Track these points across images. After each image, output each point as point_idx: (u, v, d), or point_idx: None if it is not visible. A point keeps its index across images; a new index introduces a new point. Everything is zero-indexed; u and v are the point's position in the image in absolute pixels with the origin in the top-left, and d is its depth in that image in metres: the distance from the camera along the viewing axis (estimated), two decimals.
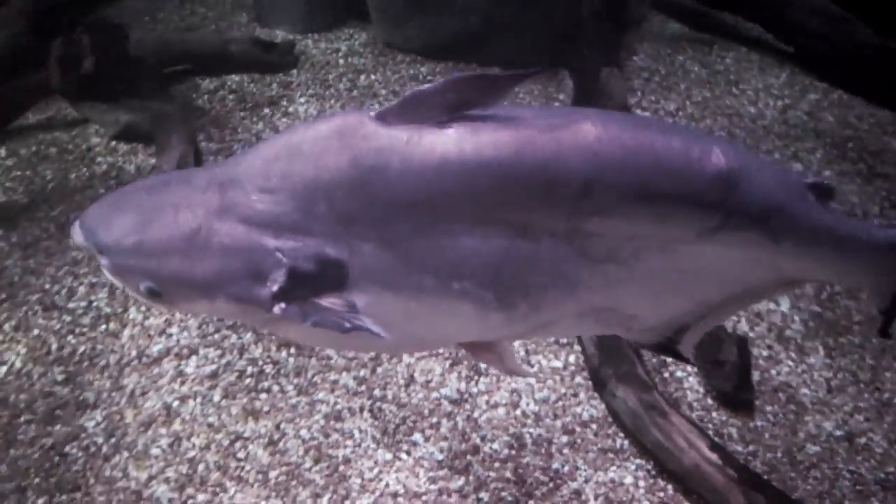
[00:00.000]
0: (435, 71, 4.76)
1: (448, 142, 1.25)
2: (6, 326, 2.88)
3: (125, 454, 2.44)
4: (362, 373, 2.71)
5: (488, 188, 1.27)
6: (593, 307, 1.41)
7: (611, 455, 2.43)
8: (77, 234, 1.40)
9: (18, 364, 2.74)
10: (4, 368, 2.72)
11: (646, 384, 2.46)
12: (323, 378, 2.68)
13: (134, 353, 2.77)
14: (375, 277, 1.31)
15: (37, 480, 2.35)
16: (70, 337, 2.84)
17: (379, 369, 2.73)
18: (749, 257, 1.37)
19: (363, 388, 2.66)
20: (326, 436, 2.49)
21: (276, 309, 1.29)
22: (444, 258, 1.30)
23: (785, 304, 2.95)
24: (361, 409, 2.58)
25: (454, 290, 1.32)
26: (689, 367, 2.71)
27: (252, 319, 1.41)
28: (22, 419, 2.54)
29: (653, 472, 2.36)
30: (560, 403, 2.60)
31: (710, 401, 2.61)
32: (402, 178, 1.26)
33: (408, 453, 2.45)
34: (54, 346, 2.80)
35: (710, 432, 2.44)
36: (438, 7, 4.76)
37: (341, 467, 2.40)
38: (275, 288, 1.29)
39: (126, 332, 2.85)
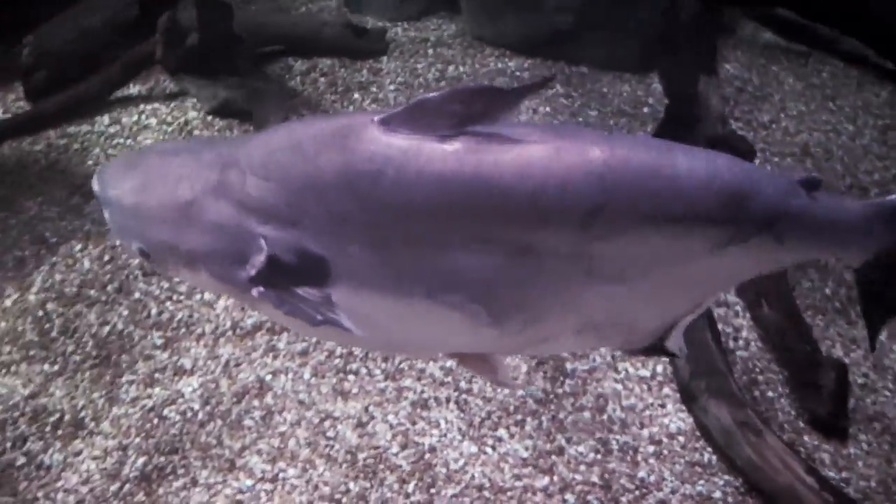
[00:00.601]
0: (523, 66, 4.74)
1: (447, 158, 1.24)
2: (109, 288, 3.00)
3: (219, 422, 2.52)
4: (448, 364, 2.73)
5: (486, 208, 1.26)
6: (594, 323, 1.40)
7: (698, 469, 2.41)
8: (94, 184, 1.48)
9: (120, 325, 2.84)
10: (107, 328, 2.83)
11: (739, 401, 2.43)
12: (410, 365, 2.72)
13: (228, 324, 2.85)
14: (360, 278, 1.31)
15: (137, 440, 2.45)
16: (168, 303, 2.94)
17: None
18: (755, 258, 1.40)
19: (449, 378, 2.68)
20: (413, 423, 2.53)
21: (254, 292, 1.31)
22: (433, 269, 1.29)
23: (884, 334, 2.87)
24: (448, 400, 2.61)
25: (443, 301, 1.31)
26: (780, 388, 2.67)
27: (232, 296, 1.46)
28: (124, 379, 2.64)
29: (742, 490, 2.34)
30: (647, 413, 2.58)
31: (801, 424, 2.56)
32: (395, 187, 1.25)
33: (493, 448, 2.47)
34: (154, 311, 2.90)
35: (801, 456, 2.40)
36: (533, 3, 4.74)
37: (427, 455, 2.44)
38: (253, 272, 1.32)
39: (220, 303, 2.93)
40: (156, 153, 1.50)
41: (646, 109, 4.38)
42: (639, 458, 2.44)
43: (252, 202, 1.32)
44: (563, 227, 1.26)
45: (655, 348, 1.48)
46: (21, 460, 2.38)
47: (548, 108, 4.31)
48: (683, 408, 2.58)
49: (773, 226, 1.35)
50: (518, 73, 4.66)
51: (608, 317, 1.39)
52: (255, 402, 2.58)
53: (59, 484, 2.33)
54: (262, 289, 1.31)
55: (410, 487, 2.34)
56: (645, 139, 1.52)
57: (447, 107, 1.24)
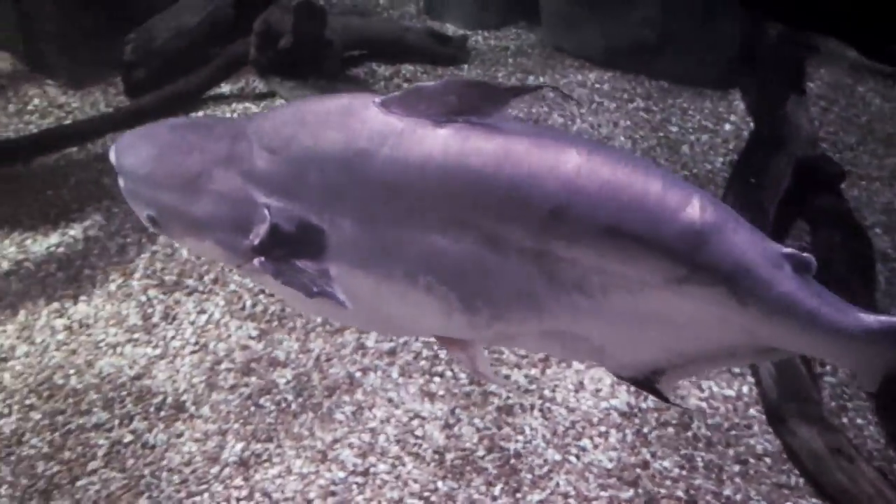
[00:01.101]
0: (602, 78, 4.76)
1: (436, 141, 1.29)
2: (206, 279, 3.13)
3: (311, 414, 2.61)
4: (533, 371, 2.78)
5: (463, 193, 1.30)
6: (558, 330, 1.41)
7: (785, 491, 2.40)
8: (111, 154, 1.54)
9: (217, 315, 2.97)
10: (205, 317, 2.96)
11: (830, 426, 2.42)
12: (494, 371, 2.77)
13: (319, 319, 2.94)
14: (349, 253, 1.37)
15: (235, 426, 2.55)
16: (262, 296, 3.05)
17: (549, 371, 2.79)
18: (717, 315, 1.34)
19: (534, 386, 2.73)
20: (499, 427, 2.58)
21: (255, 261, 1.37)
22: (413, 250, 1.34)
23: None
24: (532, 407, 2.65)
25: (420, 282, 1.37)
26: (869, 415, 2.64)
27: (234, 266, 1.50)
28: (222, 366, 2.76)
29: None
30: (733, 433, 2.58)
31: (892, 452, 2.53)
32: (387, 165, 1.31)
33: (577, 457, 2.50)
34: (248, 303, 3.02)
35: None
36: (616, 16, 4.76)
37: (513, 460, 2.48)
38: (256, 241, 1.37)
39: None
40: (170, 126, 1.57)
41: (727, 126, 4.36)
42: (724, 476, 2.45)
43: (258, 173, 1.39)
44: (529, 222, 1.29)
45: (646, 386, 1.48)
46: (128, 438, 2.51)
47: (628, 122, 4.32)
48: (770, 430, 2.58)
49: (734, 280, 1.30)
50: (598, 86, 4.69)
51: (570, 326, 1.40)
52: (346, 398, 2.66)
53: (164, 463, 2.44)
54: (262, 259, 1.37)
55: (497, 490, 2.40)
56: (631, 157, 1.48)
57: (441, 96, 1.29)
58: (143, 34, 4.34)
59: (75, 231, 3.38)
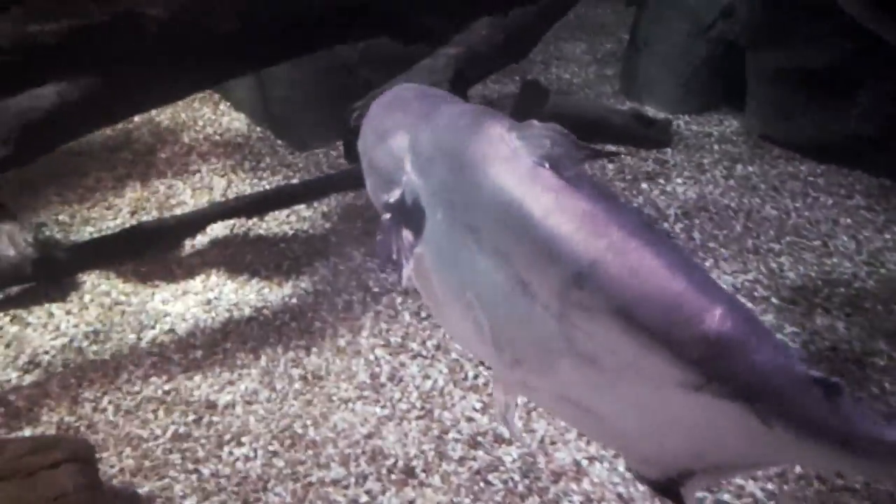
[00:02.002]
0: (816, 172, 4.57)
1: (520, 174, 1.40)
2: (429, 344, 3.22)
3: (538, 499, 2.58)
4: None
5: (512, 227, 1.39)
6: (571, 399, 1.43)
7: None
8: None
9: (441, 382, 3.03)
10: (430, 383, 3.03)
11: None
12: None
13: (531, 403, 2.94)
14: (431, 244, 1.53)
15: (466, 500, 2.57)
16: (482, 368, 3.10)
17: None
18: (739, 428, 1.29)
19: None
20: None
21: (383, 216, 1.58)
22: (468, 262, 1.46)
23: None
24: None
25: (465, 296, 1.48)
26: None
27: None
28: (450, 436, 2.80)
29: None
30: None
31: None
32: (480, 179, 1.43)
33: None
34: (470, 374, 3.07)
35: None
36: (833, 107, 4.58)
37: None
38: (389, 199, 1.59)
39: None
40: (402, 89, 1.87)
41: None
42: None
43: (415, 147, 1.60)
44: (555, 279, 1.34)
45: (669, 491, 1.43)
46: (364, 498, 2.58)
47: (849, 220, 4.10)
48: None
49: (755, 399, 1.25)
50: (812, 179, 4.50)
51: (583, 398, 1.42)
52: (573, 486, 2.62)
53: None
54: (388, 216, 1.58)
55: None
56: (675, 249, 1.43)
57: (543, 135, 1.41)
58: (369, 102, 4.64)
59: (305, 284, 3.60)
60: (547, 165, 1.39)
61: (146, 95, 3.33)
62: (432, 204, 1.53)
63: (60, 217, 4.00)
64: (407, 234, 1.56)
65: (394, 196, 1.60)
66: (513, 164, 1.42)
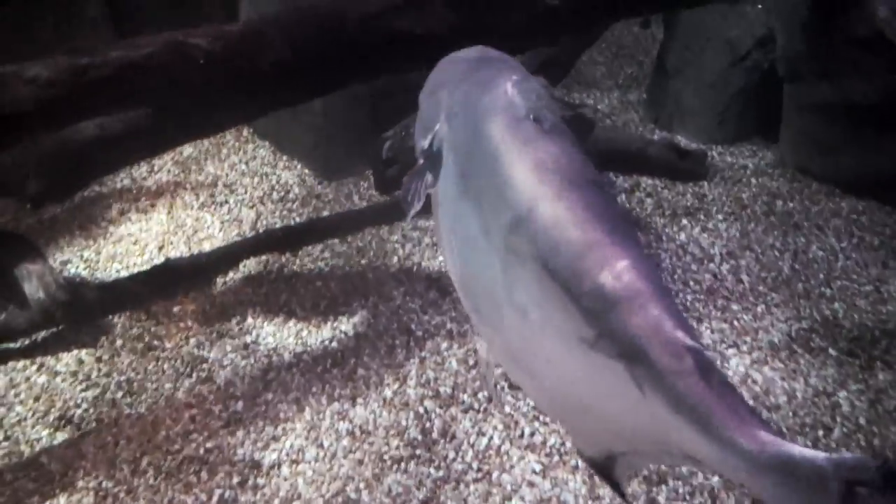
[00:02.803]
0: (857, 208, 4.46)
1: (507, 128, 1.49)
2: (480, 395, 3.08)
3: None
4: None
5: (486, 176, 1.48)
6: (514, 356, 1.47)
7: None
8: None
9: (497, 441, 2.89)
10: (484, 441, 2.89)
11: None
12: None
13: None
14: (443, 188, 1.67)
15: None
16: (537, 423, 2.96)
17: None
18: (627, 395, 1.23)
19: None
20: None
21: (419, 159, 1.70)
22: (453, 209, 1.59)
23: None
24: None
25: (450, 238, 1.61)
26: None
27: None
28: (513, 502, 2.66)
29: None
30: None
31: None
32: (477, 129, 1.53)
33: None
34: (526, 430, 2.93)
35: None
36: (874, 141, 4.48)
37: None
38: (424, 144, 1.70)
39: None
40: (466, 51, 1.94)
41: None
42: None
43: (450, 100, 1.70)
44: (503, 223, 1.40)
45: (603, 471, 1.41)
46: None
47: (894, 264, 3.99)
48: None
49: (633, 361, 1.20)
50: (854, 216, 4.40)
51: (521, 356, 1.44)
52: None
53: None
54: (422, 160, 1.69)
55: None
56: (613, 205, 1.49)
57: (557, 110, 1.52)
58: (400, 131, 4.50)
59: (345, 326, 3.46)
60: (531, 117, 1.47)
61: (191, 127, 3.19)
62: (448, 150, 1.65)
63: (85, 254, 3.83)
64: (428, 178, 1.68)
65: (426, 142, 1.70)
66: (502, 116, 1.50)
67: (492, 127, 1.49)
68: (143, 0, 4.84)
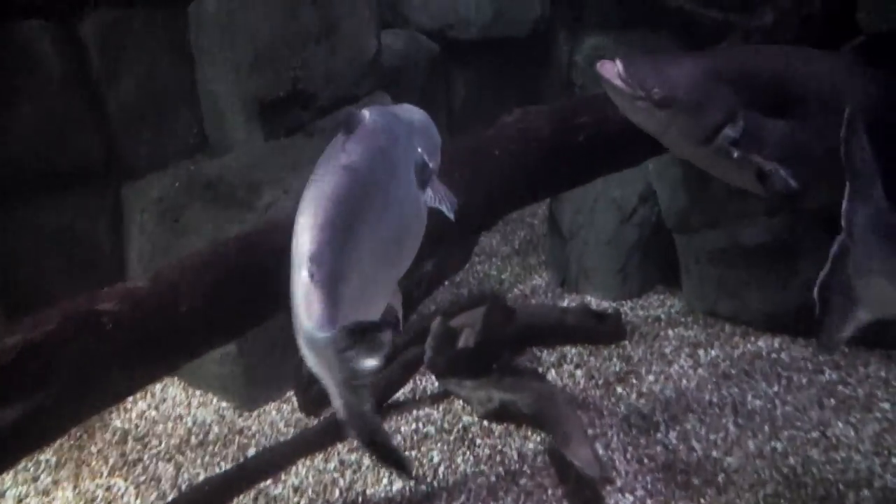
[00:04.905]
0: (773, 346, 4.62)
1: None
2: None
3: None
4: None
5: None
6: None
7: None
8: None
9: None
10: None
11: None
12: None
13: None
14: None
15: None
16: None
17: None
18: None
19: None
20: None
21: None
22: None
23: None
24: None
25: None
26: None
27: None
28: None
29: None
30: None
31: None
32: None
33: None
34: None
35: None
36: (775, 279, 4.70)
37: None
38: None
39: None
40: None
41: None
42: None
43: None
44: None
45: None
46: None
47: (832, 400, 4.03)
48: None
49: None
50: (774, 356, 4.53)
51: None
52: None
53: None
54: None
55: None
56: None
57: None
58: None
59: None
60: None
61: (107, 396, 2.88)
62: None
63: None
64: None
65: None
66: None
67: None
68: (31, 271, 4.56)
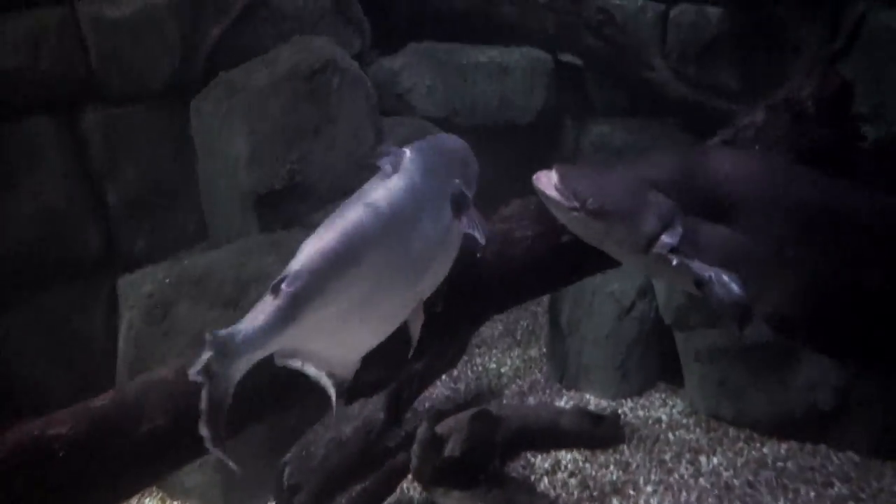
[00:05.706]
0: (780, 453, 4.38)
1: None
2: None
3: None
4: None
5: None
6: None
7: None
8: None
9: None
10: None
11: None
12: None
13: None
14: None
15: None
16: None
17: None
18: None
19: None
20: None
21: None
22: None
23: None
24: None
25: None
26: None
27: None
28: None
29: None
30: None
31: None
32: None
33: None
34: None
35: None
36: (778, 379, 4.49)
37: None
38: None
39: None
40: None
41: None
42: None
43: None
44: None
45: None
46: None
47: None
48: None
49: None
50: (780, 464, 4.30)
51: None
52: None
53: None
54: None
55: None
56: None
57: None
58: (300, 451, 4.17)
59: None
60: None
61: None
62: None
63: None
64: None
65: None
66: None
67: None
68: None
